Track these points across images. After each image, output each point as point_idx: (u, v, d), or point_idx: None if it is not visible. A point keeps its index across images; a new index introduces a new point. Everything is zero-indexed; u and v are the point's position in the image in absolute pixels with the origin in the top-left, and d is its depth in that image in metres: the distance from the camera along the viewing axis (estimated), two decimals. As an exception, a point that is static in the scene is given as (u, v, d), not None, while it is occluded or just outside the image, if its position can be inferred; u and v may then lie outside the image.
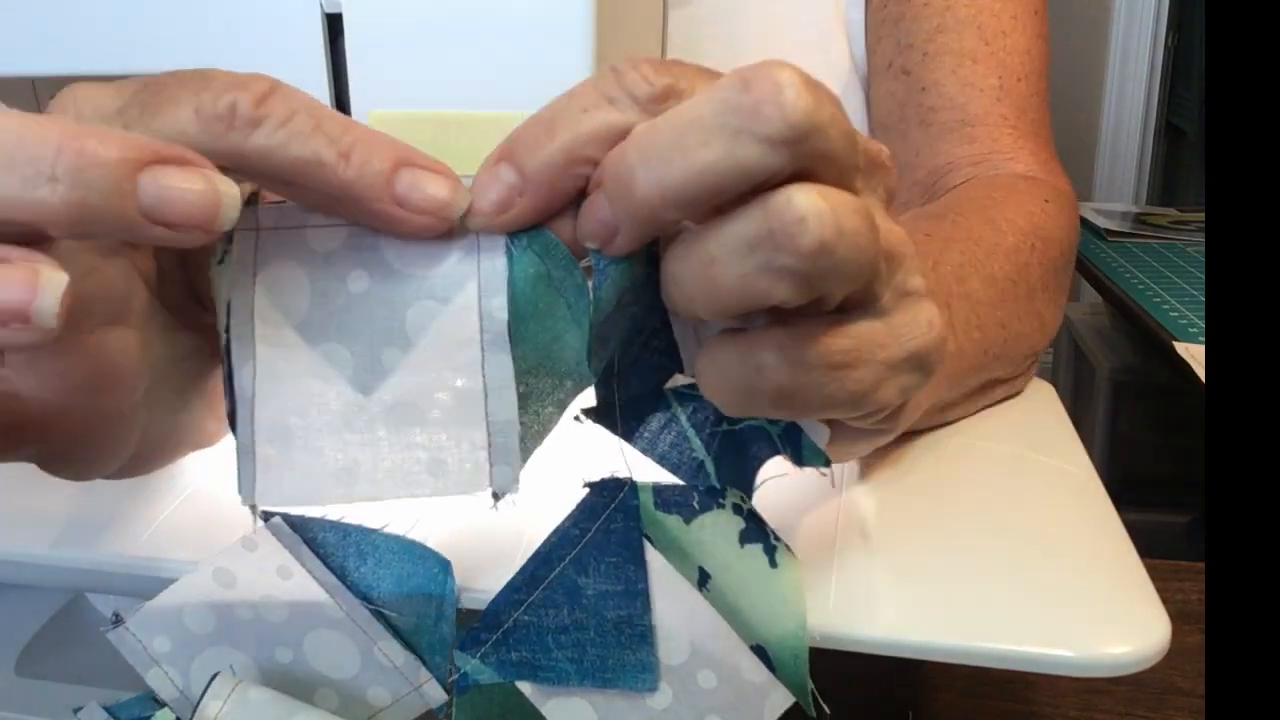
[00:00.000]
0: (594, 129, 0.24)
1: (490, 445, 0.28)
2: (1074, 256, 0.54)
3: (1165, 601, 0.31)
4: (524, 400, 0.28)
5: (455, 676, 0.31)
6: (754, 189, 0.23)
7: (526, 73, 0.33)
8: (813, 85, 0.22)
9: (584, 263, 0.27)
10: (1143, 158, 2.02)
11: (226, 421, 0.31)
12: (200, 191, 0.23)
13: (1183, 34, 1.99)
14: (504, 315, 0.27)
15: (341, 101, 0.34)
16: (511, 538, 0.34)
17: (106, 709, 0.33)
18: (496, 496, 0.28)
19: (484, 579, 0.32)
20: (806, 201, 0.22)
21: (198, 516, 0.36)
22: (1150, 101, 2.00)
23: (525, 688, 0.31)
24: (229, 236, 0.27)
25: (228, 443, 0.40)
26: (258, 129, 0.24)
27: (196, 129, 0.24)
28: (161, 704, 0.33)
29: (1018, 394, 0.47)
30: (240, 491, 0.28)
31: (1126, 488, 1.53)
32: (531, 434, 0.28)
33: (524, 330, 0.27)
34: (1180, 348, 0.91)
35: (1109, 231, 1.40)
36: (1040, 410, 0.46)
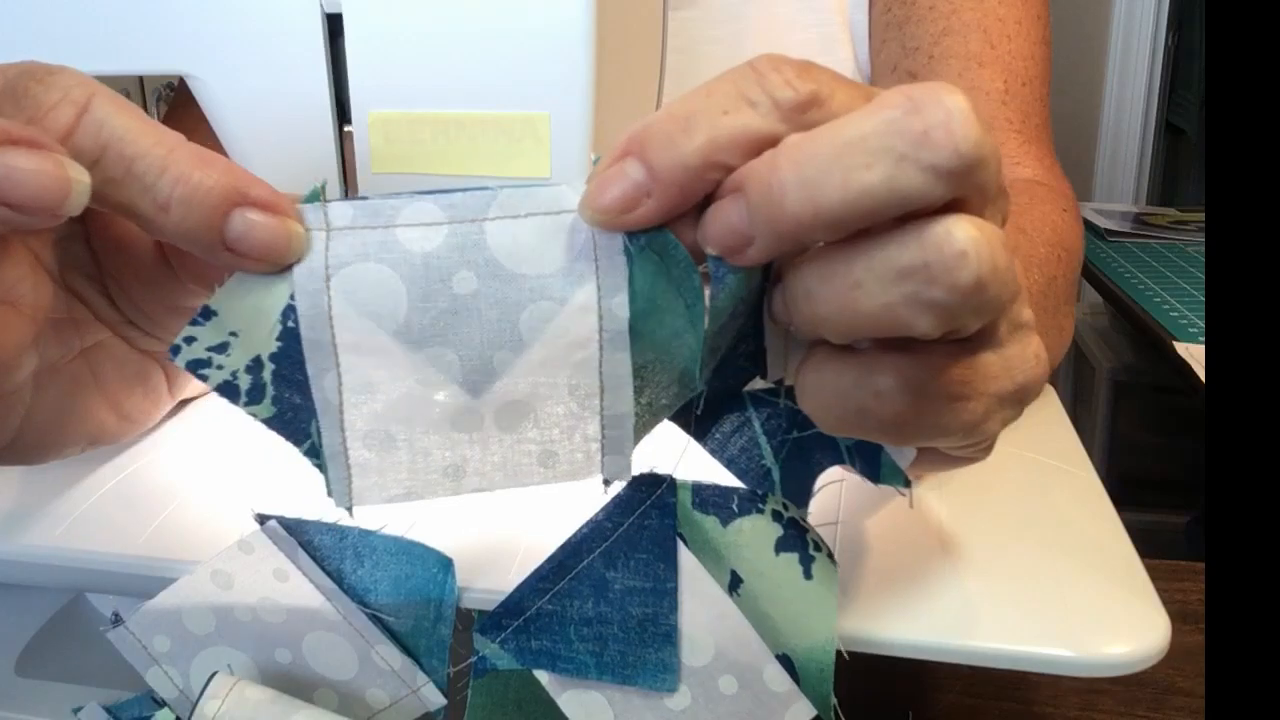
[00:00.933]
0: (734, 133, 0.23)
1: (604, 438, 0.27)
2: (1082, 264, 0.54)
3: (1165, 601, 0.31)
4: (638, 392, 0.27)
5: (474, 659, 0.31)
6: (906, 215, 0.22)
7: (526, 73, 0.33)
8: (978, 114, 0.21)
9: (700, 267, 0.25)
10: (1143, 158, 2.02)
11: (130, 422, 0.31)
12: (46, 173, 0.23)
13: (1183, 34, 1.99)
14: (625, 314, 0.26)
15: (341, 101, 0.34)
16: (511, 539, 0.34)
17: (107, 709, 0.33)
18: (607, 483, 0.28)
19: (483, 579, 0.32)
20: (966, 236, 0.21)
21: (197, 517, 0.36)
22: (1150, 101, 1.99)
23: (543, 677, 0.30)
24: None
25: (229, 443, 0.40)
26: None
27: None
28: (161, 703, 0.33)
29: None
30: (331, 495, 0.27)
31: (1126, 488, 1.53)
32: (642, 424, 0.28)
33: (643, 326, 0.26)
34: (1180, 348, 0.91)
35: (1109, 231, 1.40)
36: (1040, 410, 0.46)
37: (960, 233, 0.21)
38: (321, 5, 0.33)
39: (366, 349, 0.26)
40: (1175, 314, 1.03)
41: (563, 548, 0.29)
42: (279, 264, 0.25)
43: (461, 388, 0.26)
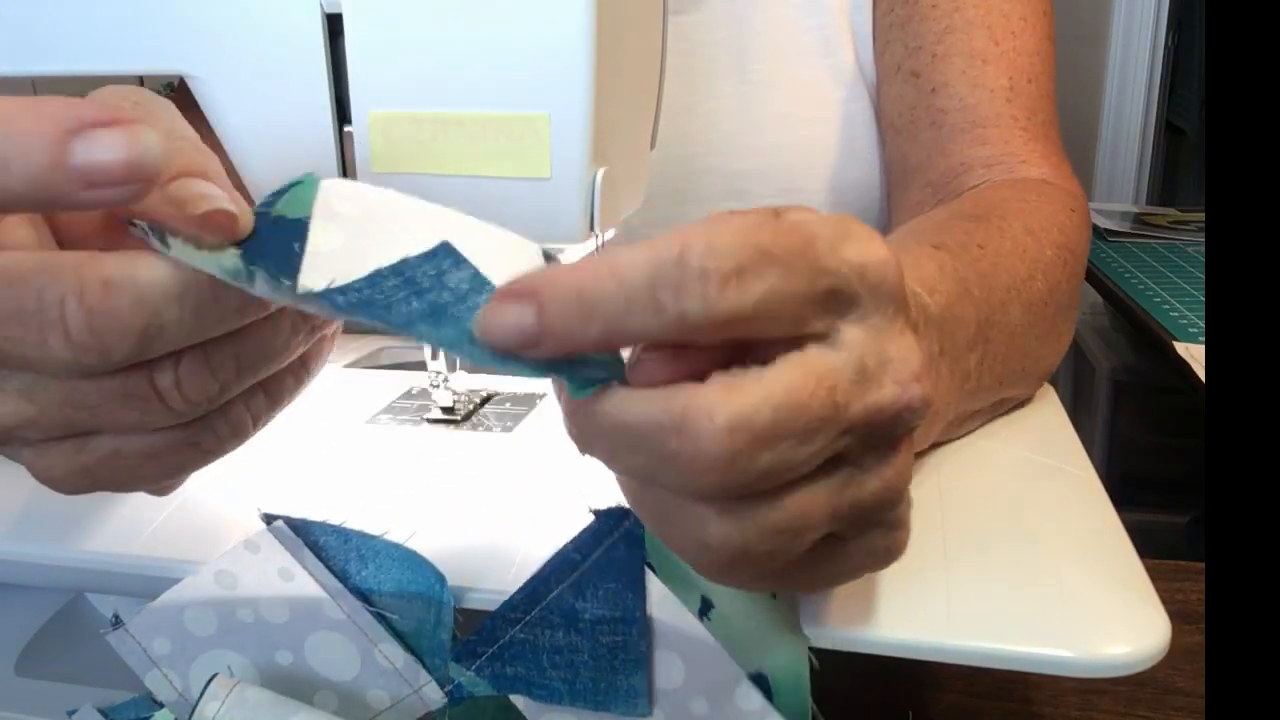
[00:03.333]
0: (629, 336, 0.22)
1: None
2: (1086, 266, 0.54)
3: (1165, 601, 0.31)
4: None
5: (450, 687, 0.31)
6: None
7: (526, 73, 0.32)
8: (741, 433, 0.22)
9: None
10: (1143, 158, 2.02)
11: None
12: (124, 145, 0.22)
13: (1183, 34, 1.99)
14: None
15: (341, 101, 0.34)
16: (510, 542, 0.34)
17: (102, 711, 0.33)
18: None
19: (484, 580, 0.32)
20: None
21: (197, 517, 0.36)
22: (1150, 101, 1.99)
23: (519, 701, 0.31)
24: None
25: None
26: None
27: None
28: (158, 705, 0.33)
29: (1026, 402, 0.47)
30: None
31: (1126, 488, 1.53)
32: None
33: None
34: (1180, 348, 0.91)
35: (1109, 231, 1.40)
36: (1041, 411, 0.46)
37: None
38: (321, 5, 0.33)
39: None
40: (1175, 314, 1.03)
41: (533, 578, 0.30)
42: (147, 178, 0.23)
43: None
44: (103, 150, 0.22)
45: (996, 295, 0.42)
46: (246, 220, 0.25)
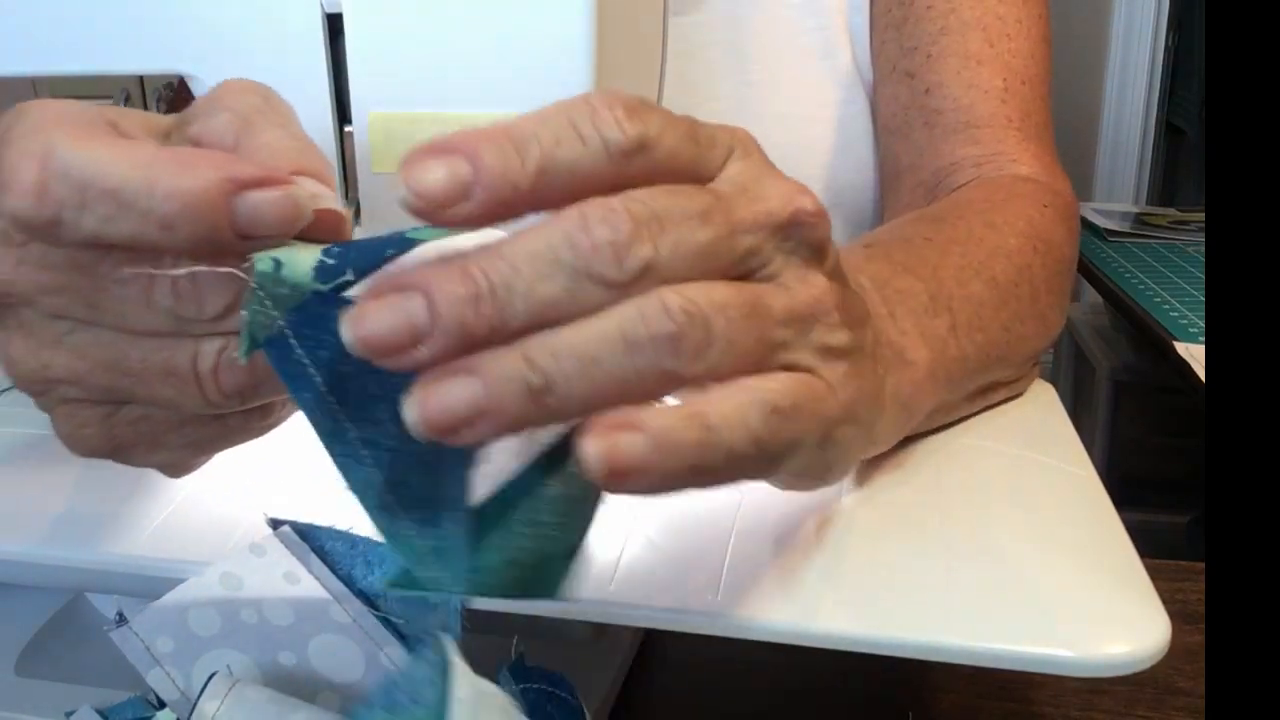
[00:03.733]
0: (563, 166, 0.23)
1: None
2: (1076, 260, 0.53)
3: (1165, 601, 0.31)
4: None
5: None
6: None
7: (526, 73, 0.32)
8: (656, 220, 0.23)
9: None
10: (1143, 158, 2.02)
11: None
12: (283, 203, 0.24)
13: (1183, 34, 1.99)
14: None
15: (342, 101, 0.34)
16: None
17: (100, 712, 0.33)
18: None
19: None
20: (675, 304, 0.23)
21: (198, 517, 0.36)
22: (1150, 101, 2.00)
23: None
24: None
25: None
26: (60, 228, 0.24)
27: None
28: (158, 706, 0.33)
29: (1019, 395, 0.47)
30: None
31: (1126, 488, 1.53)
32: None
33: None
34: (1180, 348, 0.91)
35: (1109, 231, 1.40)
36: (1041, 411, 0.46)
37: (673, 303, 0.23)
38: (321, 5, 0.33)
39: None
40: (1175, 314, 1.03)
41: None
42: (296, 229, 0.25)
43: None
44: (262, 208, 0.24)
45: (948, 273, 0.42)
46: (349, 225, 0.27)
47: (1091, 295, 1.22)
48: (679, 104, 0.71)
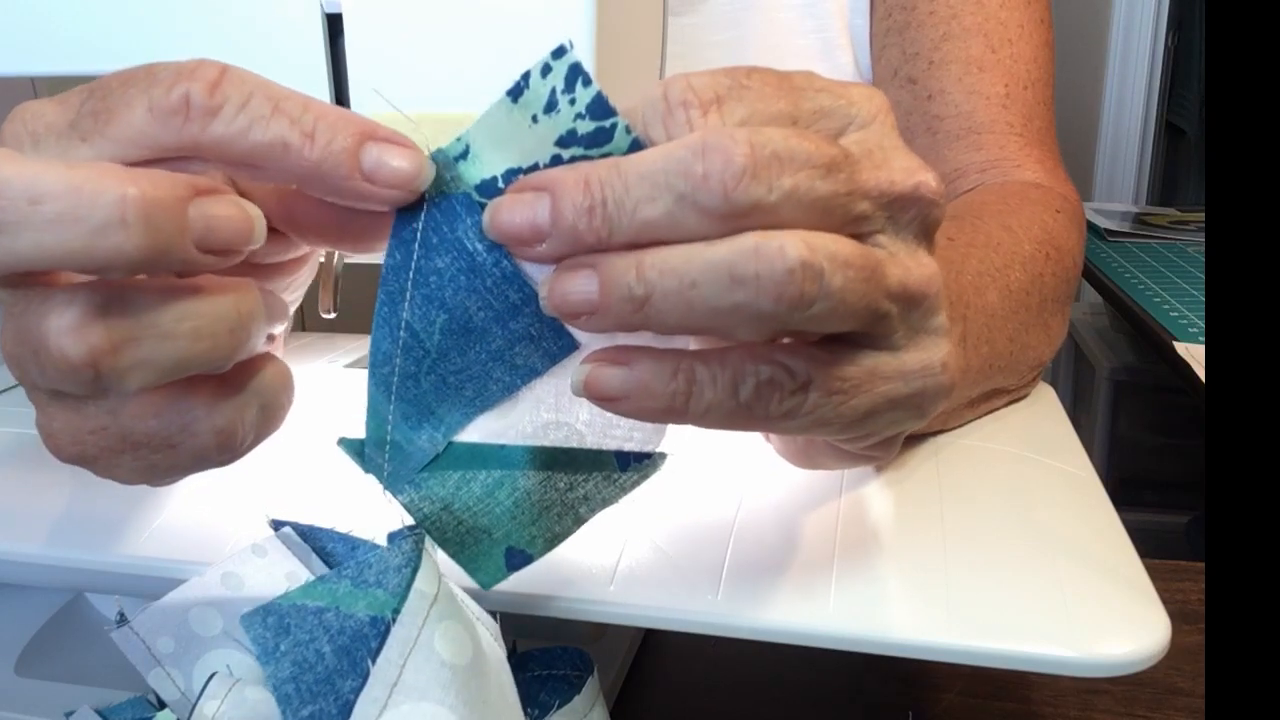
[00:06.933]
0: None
1: None
2: (1081, 268, 0.53)
3: (1165, 601, 0.31)
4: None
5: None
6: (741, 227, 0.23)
7: (526, 73, 0.32)
8: (768, 162, 0.23)
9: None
10: (1143, 158, 2.02)
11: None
12: (236, 217, 0.25)
13: (1183, 34, 1.99)
14: None
15: (342, 101, 0.34)
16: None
17: (99, 712, 0.33)
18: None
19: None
20: (796, 254, 0.23)
21: (197, 517, 0.36)
22: (1150, 101, 2.00)
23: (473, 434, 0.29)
24: None
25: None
26: (216, 117, 0.24)
27: (154, 127, 0.24)
28: (159, 706, 0.33)
29: (1021, 399, 0.47)
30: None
31: (1126, 488, 1.53)
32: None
33: None
34: (1180, 348, 0.91)
35: (1109, 231, 1.40)
36: (1041, 411, 0.46)
37: (792, 250, 0.23)
38: (321, 5, 0.33)
39: None
40: (1175, 314, 1.03)
41: None
42: (415, 192, 0.26)
43: None
44: (388, 158, 0.25)
45: (968, 279, 0.42)
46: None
47: (1091, 295, 1.22)
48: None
